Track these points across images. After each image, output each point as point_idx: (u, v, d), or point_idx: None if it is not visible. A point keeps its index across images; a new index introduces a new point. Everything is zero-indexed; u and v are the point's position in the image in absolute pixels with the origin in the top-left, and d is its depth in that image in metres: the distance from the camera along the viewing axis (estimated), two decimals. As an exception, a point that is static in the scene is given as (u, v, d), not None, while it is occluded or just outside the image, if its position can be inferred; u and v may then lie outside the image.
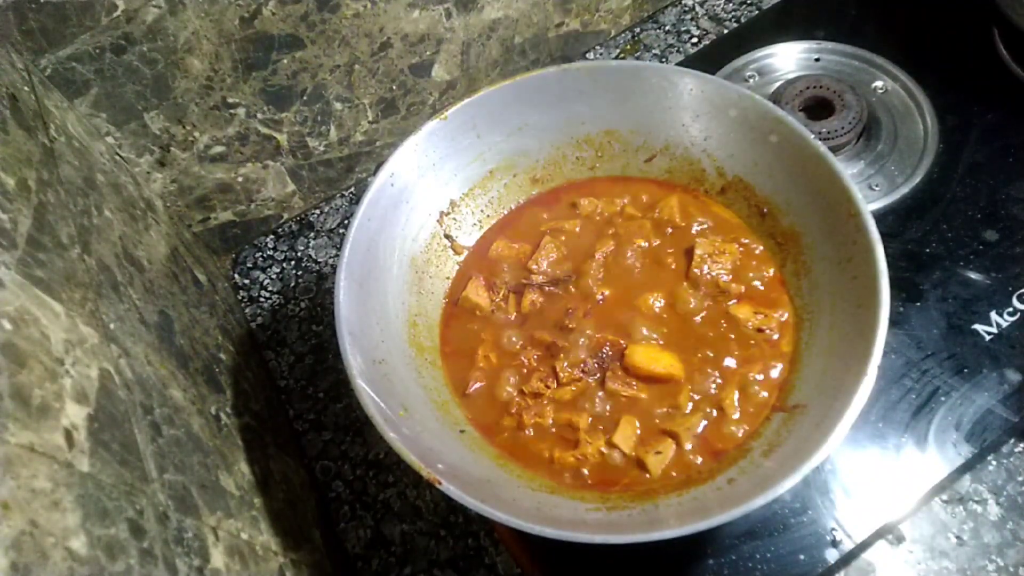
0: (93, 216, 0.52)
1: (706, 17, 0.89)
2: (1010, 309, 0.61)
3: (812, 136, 0.55)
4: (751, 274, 0.60)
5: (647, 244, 0.62)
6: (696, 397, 0.56)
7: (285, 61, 0.68)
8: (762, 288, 0.59)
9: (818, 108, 0.71)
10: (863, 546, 0.56)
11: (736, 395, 0.55)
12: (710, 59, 0.80)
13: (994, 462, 0.59)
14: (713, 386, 0.56)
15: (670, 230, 0.63)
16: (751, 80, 0.77)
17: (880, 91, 0.74)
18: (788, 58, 0.78)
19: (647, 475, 0.53)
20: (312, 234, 0.83)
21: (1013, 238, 0.64)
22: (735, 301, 0.59)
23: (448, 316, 0.63)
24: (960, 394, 0.59)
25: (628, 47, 0.89)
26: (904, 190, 0.68)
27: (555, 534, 0.44)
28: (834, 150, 0.68)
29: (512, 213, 0.67)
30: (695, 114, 0.61)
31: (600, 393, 0.57)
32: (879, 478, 0.57)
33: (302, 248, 0.82)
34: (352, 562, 0.64)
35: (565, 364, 0.58)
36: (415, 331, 0.59)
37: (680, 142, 0.63)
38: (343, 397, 0.72)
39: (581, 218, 0.65)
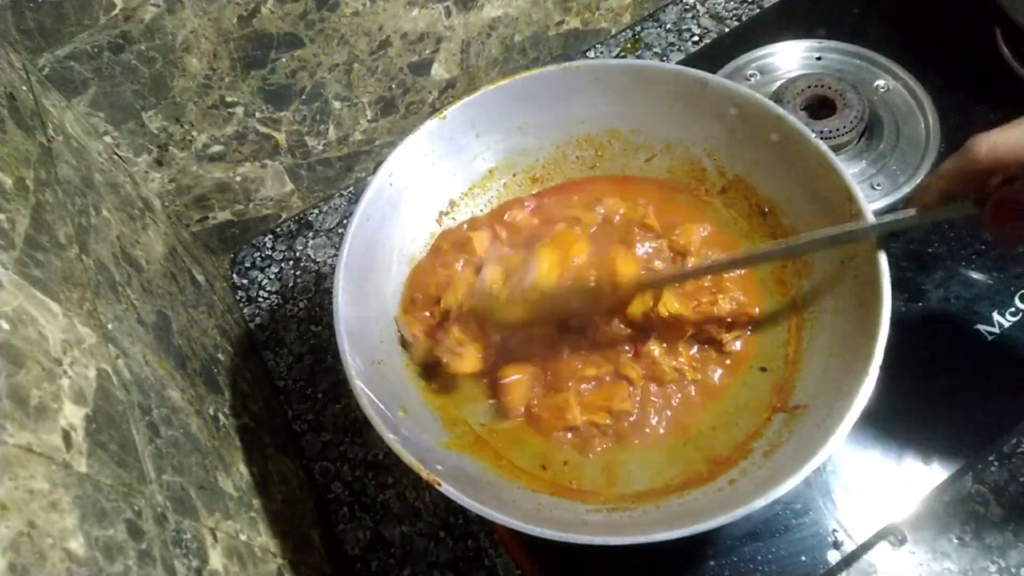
0: (91, 216, 0.52)
1: (707, 15, 0.89)
2: (1012, 309, 0.61)
3: (813, 135, 0.54)
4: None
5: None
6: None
7: (284, 60, 0.68)
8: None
9: (820, 107, 0.71)
10: (865, 547, 0.55)
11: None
12: (711, 58, 0.80)
13: (996, 463, 0.59)
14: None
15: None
16: (752, 79, 0.77)
17: (882, 90, 0.74)
18: (789, 57, 0.78)
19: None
20: (311, 234, 0.83)
21: (1015, 238, 0.64)
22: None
23: (448, 316, 0.63)
24: (962, 395, 0.58)
25: (629, 45, 0.89)
26: (906, 189, 0.68)
27: (555, 535, 0.44)
28: (835, 149, 0.68)
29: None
30: (696, 113, 0.61)
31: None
32: (881, 479, 0.57)
33: (301, 248, 0.82)
34: (351, 563, 0.64)
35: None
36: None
37: (681, 141, 0.62)
38: (342, 398, 0.71)
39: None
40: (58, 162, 0.51)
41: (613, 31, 0.89)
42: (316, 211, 0.84)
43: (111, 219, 0.55)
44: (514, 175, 0.66)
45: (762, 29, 0.81)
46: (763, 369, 0.56)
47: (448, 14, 0.74)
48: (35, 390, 0.35)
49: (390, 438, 0.47)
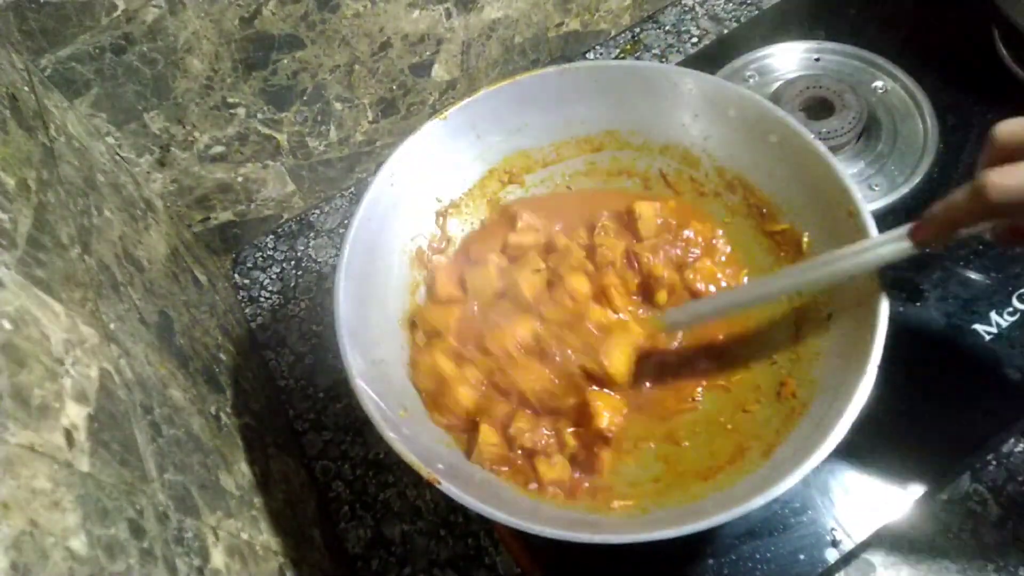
0: (93, 216, 0.52)
1: (706, 17, 0.89)
2: (1010, 309, 0.61)
3: (812, 136, 0.55)
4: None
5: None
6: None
7: (285, 61, 0.68)
8: None
9: (818, 108, 0.71)
10: (863, 546, 0.56)
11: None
12: (710, 59, 0.80)
13: (994, 462, 0.59)
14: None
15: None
16: (751, 80, 0.77)
17: (880, 91, 0.74)
18: (788, 58, 0.78)
19: None
20: (312, 234, 0.83)
21: (1013, 238, 0.64)
22: None
23: (448, 316, 0.63)
24: (960, 394, 0.59)
25: (628, 47, 0.89)
26: (904, 190, 0.68)
27: (555, 534, 0.44)
28: (834, 150, 0.68)
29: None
30: (695, 114, 0.61)
31: None
32: (879, 478, 0.57)
33: (302, 248, 0.82)
34: (352, 562, 0.64)
35: None
36: (415, 331, 0.59)
37: (680, 142, 0.63)
38: (343, 397, 0.72)
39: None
40: (60, 163, 0.51)
41: (612, 33, 0.89)
42: (317, 211, 0.84)
43: (113, 219, 0.55)
44: (514, 176, 0.66)
45: (761, 30, 0.81)
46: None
47: (448, 16, 0.74)
48: (37, 390, 0.35)
49: (391, 437, 0.47)
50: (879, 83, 0.74)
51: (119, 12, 0.58)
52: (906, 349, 0.60)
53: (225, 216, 0.79)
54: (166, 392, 0.49)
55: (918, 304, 0.63)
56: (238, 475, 0.53)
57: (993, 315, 0.61)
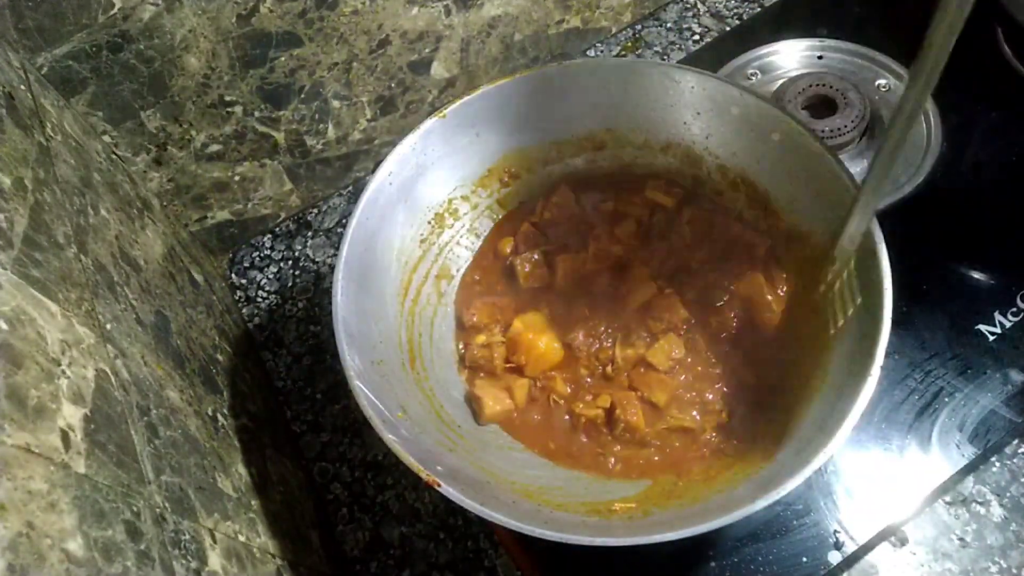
0: (89, 215, 0.51)
1: (708, 14, 0.89)
2: (1014, 309, 0.61)
3: (814, 134, 0.54)
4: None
5: None
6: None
7: (283, 59, 0.68)
8: None
9: (821, 106, 0.71)
10: (866, 548, 0.55)
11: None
12: (712, 57, 0.79)
13: (997, 463, 0.58)
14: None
15: None
16: (753, 78, 0.77)
17: (883, 89, 0.74)
18: (790, 56, 0.78)
19: None
20: (310, 233, 0.82)
21: (1017, 238, 0.64)
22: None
23: (448, 316, 0.63)
24: (963, 395, 0.58)
25: (629, 44, 0.89)
26: (907, 189, 0.68)
27: (555, 536, 0.44)
28: (837, 148, 0.68)
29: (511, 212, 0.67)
30: (696, 112, 0.60)
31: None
32: (882, 479, 0.57)
33: (300, 248, 0.81)
34: (350, 564, 0.64)
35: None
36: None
37: (681, 140, 0.62)
38: (341, 398, 0.71)
39: None
40: (56, 162, 0.51)
41: (613, 30, 0.89)
42: (315, 211, 0.84)
43: (109, 219, 0.55)
44: (514, 175, 0.66)
45: (763, 28, 0.81)
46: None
47: (448, 13, 0.73)
48: (33, 390, 0.35)
49: (389, 438, 0.46)
50: (882, 81, 0.74)
51: (116, 10, 0.58)
52: (909, 350, 0.60)
53: (222, 215, 0.78)
54: (163, 393, 0.48)
55: (921, 304, 0.62)
56: (235, 477, 0.53)
57: (997, 315, 0.61)
